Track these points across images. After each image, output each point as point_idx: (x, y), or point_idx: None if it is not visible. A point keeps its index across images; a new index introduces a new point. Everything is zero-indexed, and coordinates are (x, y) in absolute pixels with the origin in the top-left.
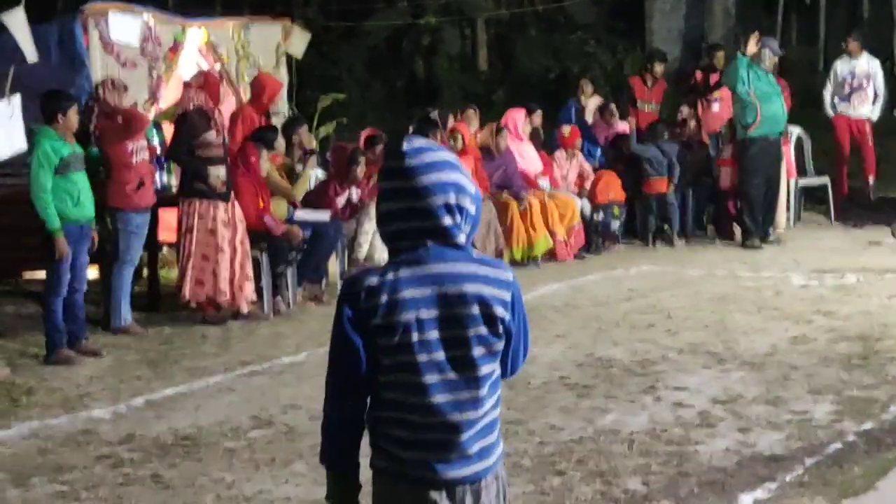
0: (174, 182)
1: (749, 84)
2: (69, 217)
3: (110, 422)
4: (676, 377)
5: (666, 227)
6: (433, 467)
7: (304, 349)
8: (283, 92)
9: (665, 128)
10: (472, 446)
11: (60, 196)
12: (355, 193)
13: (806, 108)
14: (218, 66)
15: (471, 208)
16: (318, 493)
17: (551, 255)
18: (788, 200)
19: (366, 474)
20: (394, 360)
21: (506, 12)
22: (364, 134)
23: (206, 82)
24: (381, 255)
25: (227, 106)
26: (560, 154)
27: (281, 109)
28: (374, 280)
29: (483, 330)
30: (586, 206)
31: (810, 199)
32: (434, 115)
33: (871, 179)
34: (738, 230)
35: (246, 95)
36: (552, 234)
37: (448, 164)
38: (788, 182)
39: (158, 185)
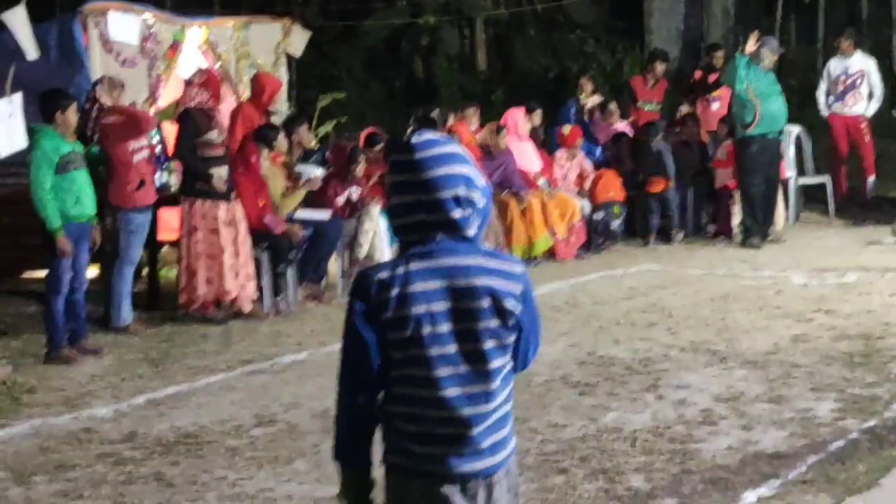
0: (173, 181)
1: (748, 83)
2: (70, 215)
3: (112, 420)
4: (678, 375)
5: (667, 226)
6: (446, 462)
7: (306, 348)
8: (283, 91)
9: (662, 126)
10: (484, 440)
11: (61, 195)
12: (355, 192)
13: (805, 107)
14: (217, 66)
15: (480, 201)
16: (321, 492)
17: (551, 254)
18: (787, 199)
19: (378, 470)
20: (405, 353)
21: (505, 12)
22: (364, 133)
23: (208, 80)
24: (382, 254)
25: (227, 105)
26: (560, 153)
27: (280, 109)
28: (384, 274)
29: (494, 323)
30: (586, 205)
31: (809, 198)
32: (434, 114)
33: (870, 179)
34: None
35: (245, 95)
36: (552, 233)
37: (457, 158)
38: (783, 181)
39: (157, 185)
